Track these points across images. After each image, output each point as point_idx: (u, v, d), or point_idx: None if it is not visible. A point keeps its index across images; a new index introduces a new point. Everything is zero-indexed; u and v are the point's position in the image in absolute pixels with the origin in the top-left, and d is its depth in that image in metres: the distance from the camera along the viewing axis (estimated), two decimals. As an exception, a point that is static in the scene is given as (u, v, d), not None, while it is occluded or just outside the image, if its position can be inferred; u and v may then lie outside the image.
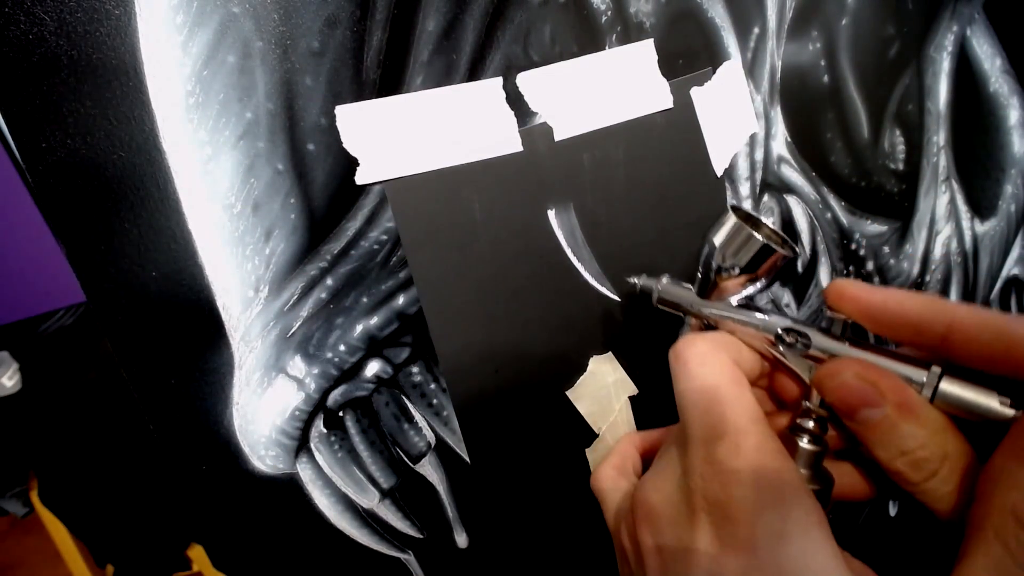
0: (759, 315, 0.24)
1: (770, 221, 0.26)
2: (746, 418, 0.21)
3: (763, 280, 0.25)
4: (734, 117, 0.34)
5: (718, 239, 0.25)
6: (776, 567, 0.19)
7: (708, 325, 0.26)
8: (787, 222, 0.37)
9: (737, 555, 0.19)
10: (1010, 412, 0.18)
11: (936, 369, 0.20)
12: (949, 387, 0.20)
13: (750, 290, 0.25)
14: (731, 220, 0.24)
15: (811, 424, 0.22)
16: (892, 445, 0.20)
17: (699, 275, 0.26)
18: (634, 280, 0.30)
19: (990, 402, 0.19)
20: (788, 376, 0.25)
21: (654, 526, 0.23)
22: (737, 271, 0.24)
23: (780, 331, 0.23)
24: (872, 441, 0.21)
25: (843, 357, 0.22)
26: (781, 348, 0.23)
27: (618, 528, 0.26)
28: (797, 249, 0.29)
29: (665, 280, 0.28)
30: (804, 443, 0.22)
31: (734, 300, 0.25)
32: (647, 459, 0.30)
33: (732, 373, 0.22)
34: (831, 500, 0.23)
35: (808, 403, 0.23)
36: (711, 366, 0.22)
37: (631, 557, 0.25)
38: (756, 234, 0.24)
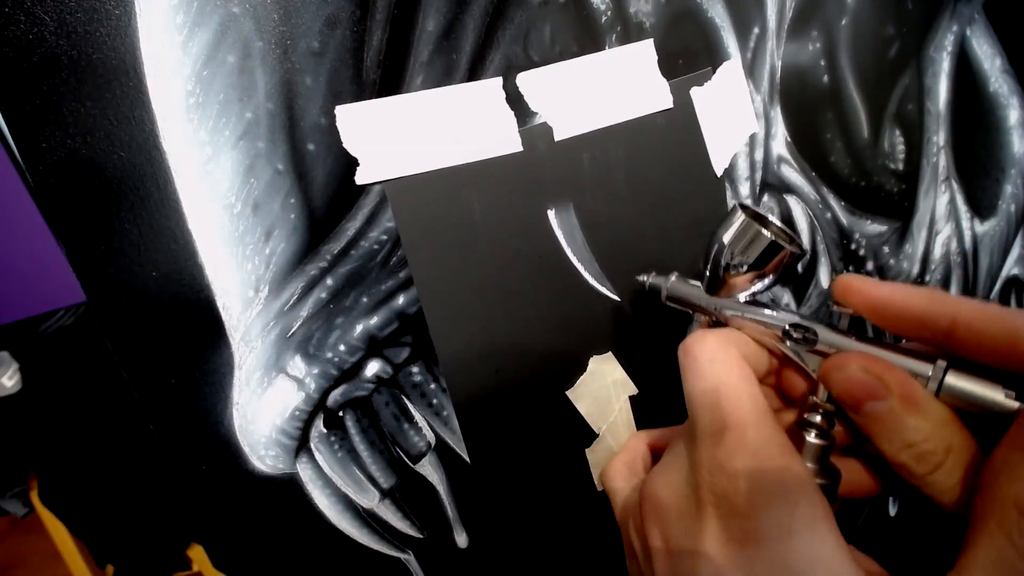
0: (767, 311, 0.25)
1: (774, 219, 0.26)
2: (754, 413, 0.21)
3: (771, 277, 0.25)
4: (734, 117, 0.34)
5: (727, 236, 0.25)
6: (783, 561, 0.19)
7: (716, 322, 0.27)
8: (787, 222, 0.37)
9: (744, 549, 0.20)
10: (1014, 405, 0.18)
11: (941, 363, 0.20)
12: (954, 380, 0.20)
13: (758, 286, 0.25)
14: (740, 217, 0.24)
15: (818, 419, 0.23)
16: (897, 438, 0.20)
17: (707, 272, 0.26)
18: (643, 278, 0.30)
19: (994, 395, 0.19)
20: (796, 372, 0.25)
21: (661, 520, 0.23)
22: (745, 268, 0.25)
23: (788, 327, 0.24)
24: (877, 434, 0.21)
25: (849, 351, 0.22)
26: (789, 344, 0.24)
27: (626, 523, 0.26)
28: (804, 246, 0.29)
29: (674, 278, 0.29)
30: (811, 438, 0.22)
31: (742, 297, 0.26)
32: (657, 456, 0.30)
33: (741, 369, 0.22)
34: (838, 495, 0.23)
35: (815, 398, 0.23)
36: (720, 362, 0.23)
37: (639, 552, 0.25)
38: (765, 231, 0.24)
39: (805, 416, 0.23)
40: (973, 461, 0.20)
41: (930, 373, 0.20)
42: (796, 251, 0.24)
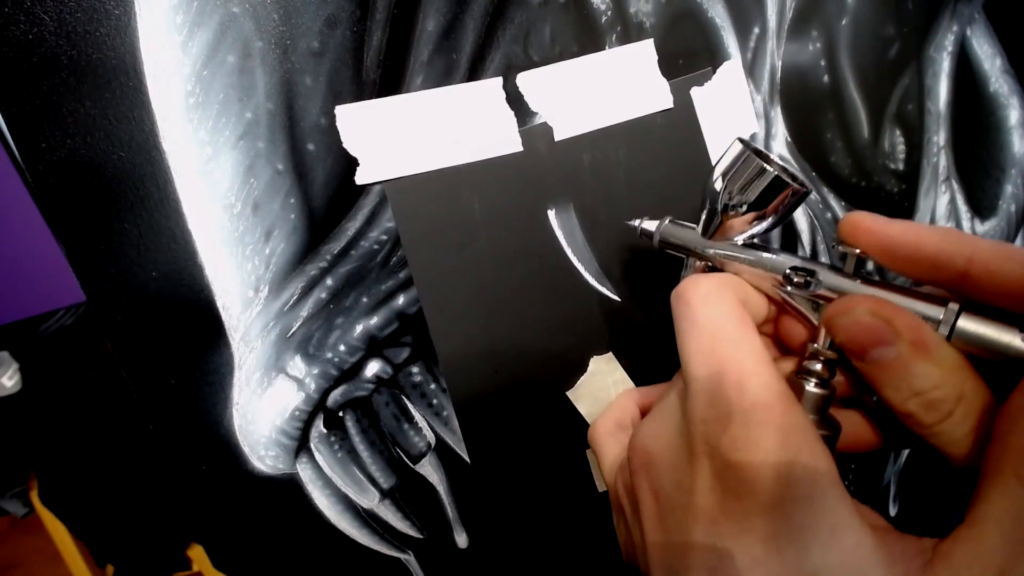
0: (766, 254, 0.23)
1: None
2: (751, 359, 0.20)
3: (773, 217, 0.23)
4: (734, 117, 0.34)
5: (727, 172, 0.23)
6: (783, 512, 0.18)
7: (712, 267, 0.25)
8: (787, 222, 0.37)
9: (740, 500, 0.18)
10: None
11: (954, 306, 0.19)
12: (968, 324, 0.18)
13: (758, 228, 0.23)
14: (741, 151, 0.22)
15: (819, 367, 0.21)
16: (905, 386, 0.19)
17: (703, 213, 0.25)
18: (635, 223, 0.28)
19: (1012, 339, 0.18)
20: (795, 319, 0.24)
21: (651, 472, 0.22)
22: (745, 208, 0.23)
23: (788, 270, 0.22)
24: (883, 382, 0.19)
25: (855, 294, 0.21)
26: (789, 288, 0.22)
27: (614, 481, 0.25)
28: (808, 185, 0.27)
29: (667, 221, 0.27)
30: (811, 387, 0.21)
31: (740, 239, 0.24)
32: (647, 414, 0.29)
33: (737, 314, 0.21)
34: (836, 448, 0.21)
35: (816, 345, 0.21)
36: (715, 307, 0.21)
37: (627, 507, 0.23)
38: (768, 166, 0.22)
39: (805, 364, 0.22)
40: (986, 410, 0.18)
41: (941, 316, 0.19)
42: (800, 188, 0.22)
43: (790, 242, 0.37)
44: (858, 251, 0.21)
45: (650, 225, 0.27)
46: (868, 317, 0.19)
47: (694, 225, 0.25)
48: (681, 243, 0.26)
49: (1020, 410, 0.16)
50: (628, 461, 0.23)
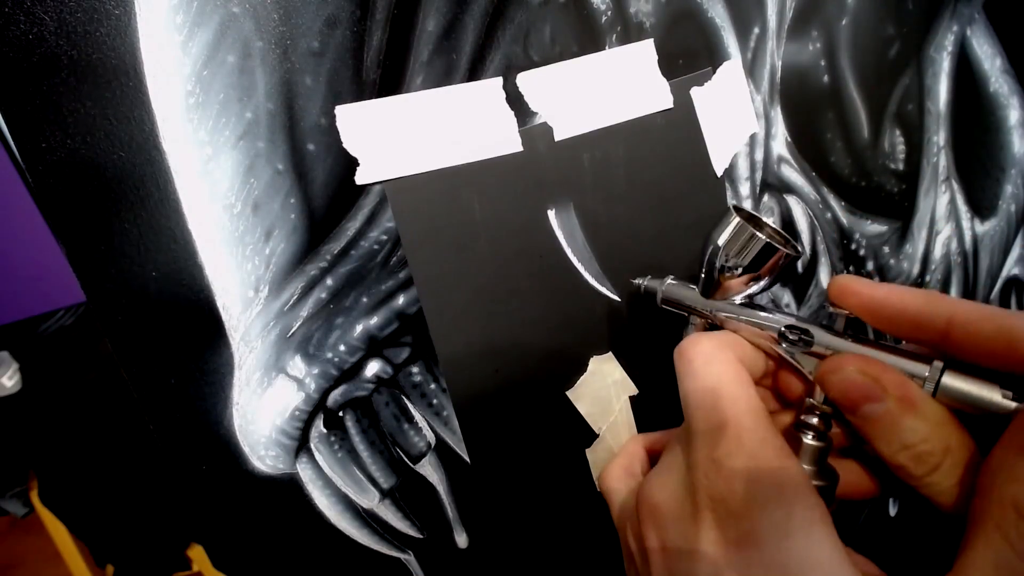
0: (763, 313, 0.25)
1: (771, 220, 0.26)
2: (750, 415, 0.21)
3: (767, 279, 0.25)
4: (734, 117, 0.34)
5: (721, 239, 0.25)
6: (780, 563, 0.19)
7: (712, 325, 0.27)
8: (787, 222, 0.37)
9: (740, 551, 0.19)
10: (1011, 405, 0.18)
11: (938, 364, 0.20)
12: (951, 381, 0.20)
13: (753, 288, 0.25)
14: (734, 220, 0.25)
15: (815, 420, 0.23)
16: (895, 439, 0.20)
17: (702, 275, 0.26)
18: (638, 281, 0.30)
19: (992, 395, 0.19)
20: (792, 374, 0.25)
21: (658, 524, 0.23)
22: (740, 271, 0.25)
23: (783, 328, 0.24)
24: (875, 436, 0.21)
25: (845, 353, 0.22)
26: (784, 345, 0.24)
27: (623, 526, 0.26)
28: (799, 248, 0.29)
29: (669, 280, 0.29)
30: (808, 439, 0.22)
31: (738, 299, 0.26)
32: (655, 459, 0.30)
33: (736, 371, 0.22)
34: (835, 497, 0.23)
35: (812, 400, 0.23)
36: (715, 364, 0.23)
37: (636, 556, 0.25)
38: (759, 234, 0.24)
39: (802, 418, 0.23)
40: (971, 462, 0.19)
41: (927, 374, 0.20)
42: (791, 252, 0.24)
43: (790, 242, 0.37)
44: (847, 312, 0.23)
45: (653, 285, 0.29)
46: (857, 375, 0.21)
47: (694, 286, 0.27)
48: (682, 302, 0.28)
49: (1001, 465, 0.17)
50: (637, 510, 0.24)
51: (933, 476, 0.20)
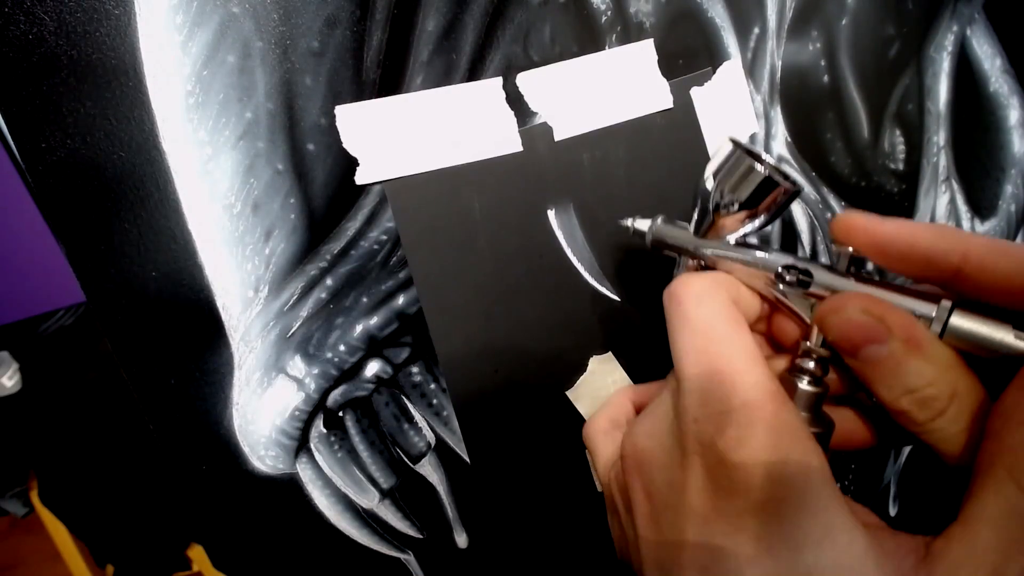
0: (759, 253, 0.23)
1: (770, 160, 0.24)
2: (743, 358, 0.20)
3: (764, 216, 0.23)
4: (734, 117, 0.34)
5: (717, 172, 0.23)
6: (774, 511, 0.18)
7: (704, 266, 0.25)
8: (787, 222, 0.37)
9: (732, 499, 0.18)
10: None
11: (946, 303, 0.19)
12: (960, 321, 0.18)
13: (750, 227, 0.23)
14: (731, 151, 0.22)
15: (811, 365, 0.21)
16: (898, 383, 0.19)
17: (695, 213, 0.24)
18: (627, 222, 0.28)
19: (1004, 336, 0.17)
20: (788, 318, 0.24)
21: (644, 471, 0.22)
22: (736, 207, 0.23)
23: (781, 268, 0.22)
24: (876, 380, 0.19)
25: (847, 292, 0.21)
26: (781, 287, 0.22)
27: (608, 479, 0.25)
28: (799, 183, 0.27)
29: (660, 220, 0.27)
30: (803, 385, 0.21)
31: (732, 238, 0.24)
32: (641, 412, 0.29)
33: (729, 312, 0.21)
34: (830, 446, 0.21)
35: (808, 343, 0.21)
36: (707, 305, 0.21)
37: (620, 506, 0.23)
38: (758, 166, 0.22)
39: (797, 362, 0.21)
40: (979, 407, 0.18)
41: (934, 314, 0.19)
42: (791, 187, 0.22)
43: (790, 242, 0.37)
44: (851, 249, 0.21)
45: (642, 224, 0.27)
46: (860, 315, 0.19)
47: (686, 224, 0.25)
48: (673, 242, 0.26)
49: (1014, 408, 0.16)
50: (621, 460, 0.23)
51: (937, 422, 0.18)
